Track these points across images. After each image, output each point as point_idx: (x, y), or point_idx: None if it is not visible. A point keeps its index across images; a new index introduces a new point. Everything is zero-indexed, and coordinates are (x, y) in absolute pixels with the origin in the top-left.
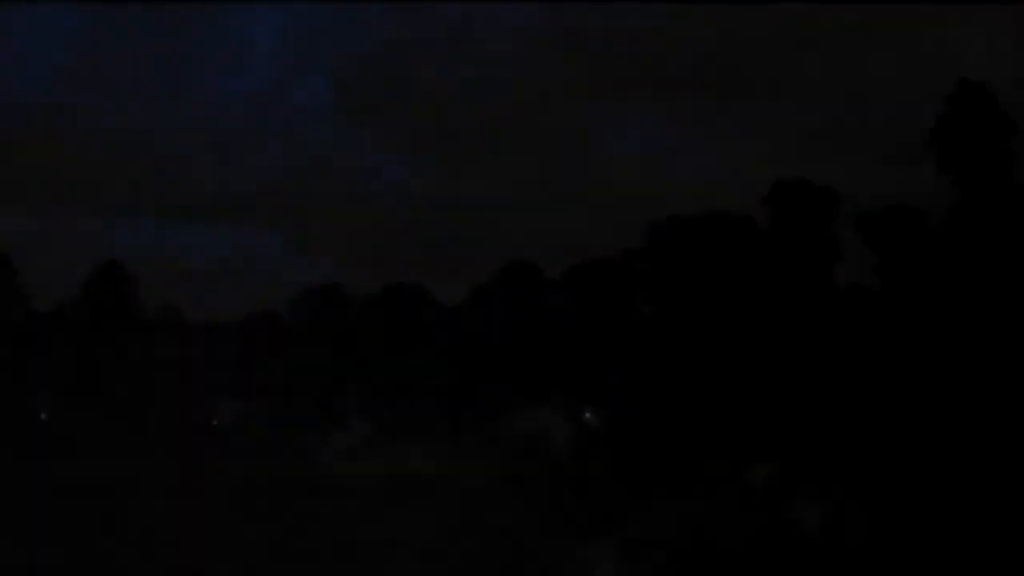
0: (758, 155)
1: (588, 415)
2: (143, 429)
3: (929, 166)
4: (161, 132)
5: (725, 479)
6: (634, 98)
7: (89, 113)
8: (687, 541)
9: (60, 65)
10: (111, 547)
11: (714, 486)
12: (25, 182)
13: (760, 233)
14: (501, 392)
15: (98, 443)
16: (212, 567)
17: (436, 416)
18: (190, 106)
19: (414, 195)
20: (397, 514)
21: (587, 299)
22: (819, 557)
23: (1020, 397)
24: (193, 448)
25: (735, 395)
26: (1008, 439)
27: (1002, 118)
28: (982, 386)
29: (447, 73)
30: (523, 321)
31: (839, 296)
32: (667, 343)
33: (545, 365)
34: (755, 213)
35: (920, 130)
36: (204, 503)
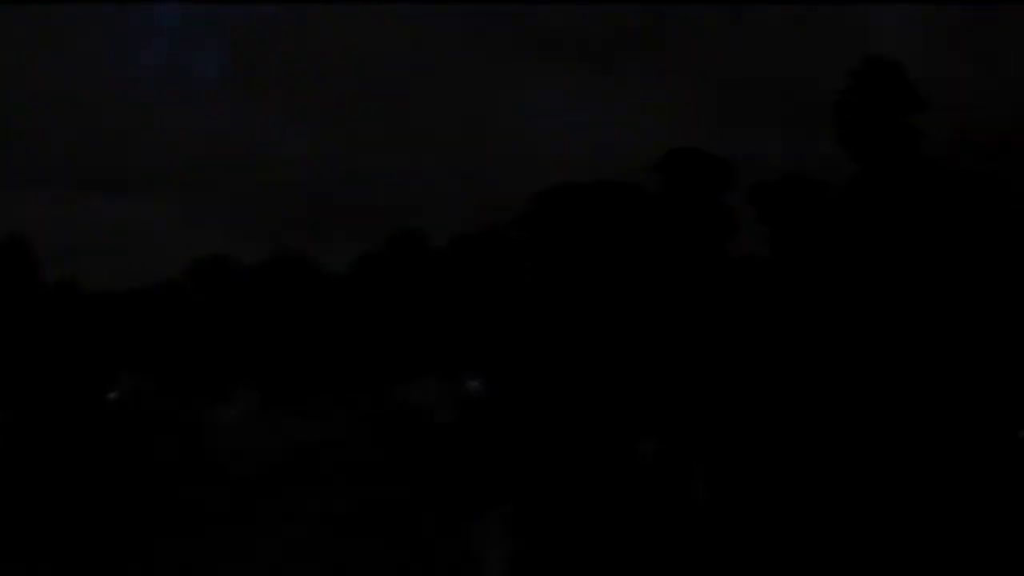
0: (659, 128)
1: (473, 385)
2: (39, 404)
3: (830, 141)
4: (62, 105)
5: (613, 451)
6: (533, 71)
7: None
8: (574, 512)
9: None
10: None
11: (601, 458)
12: None
13: (649, 201)
14: (386, 363)
15: None
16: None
17: (322, 387)
18: (90, 79)
19: (312, 166)
20: (284, 489)
21: (472, 268)
22: (707, 526)
23: (910, 367)
24: (88, 423)
25: (621, 367)
26: (898, 412)
27: (909, 93)
28: (876, 357)
29: (344, 45)
30: (408, 291)
31: (731, 267)
32: (549, 313)
33: (430, 335)
34: (648, 183)
35: (823, 104)
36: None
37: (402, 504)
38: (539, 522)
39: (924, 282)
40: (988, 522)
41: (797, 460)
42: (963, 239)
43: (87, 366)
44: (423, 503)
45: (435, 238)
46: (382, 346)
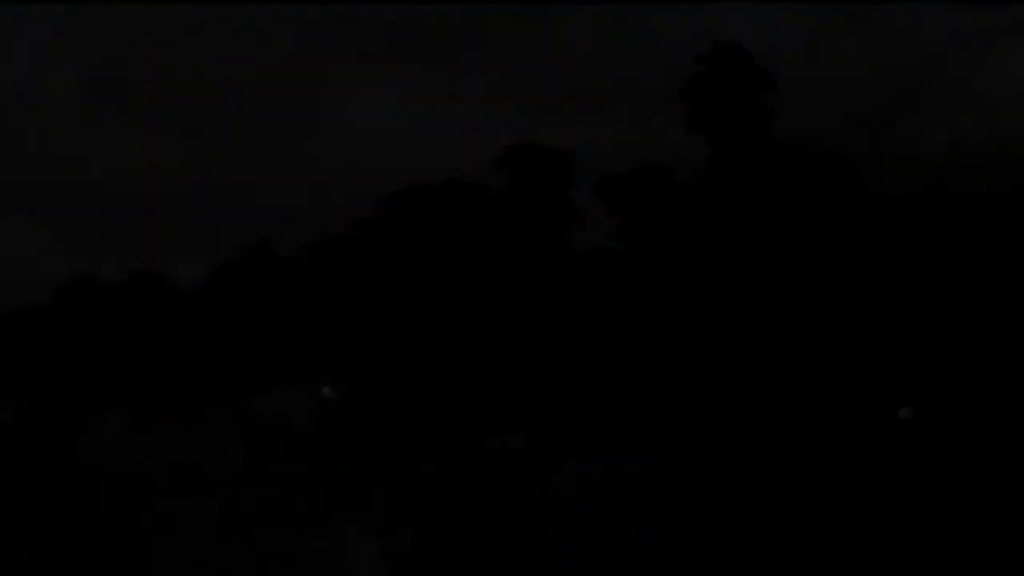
0: (504, 122)
1: (326, 391)
2: None
3: (679, 130)
4: None
5: (473, 448)
6: (371, 72)
7: None
8: (439, 510)
9: None
10: None
11: (462, 455)
12: None
13: (493, 199)
14: (244, 373)
15: None
16: None
17: (187, 401)
18: None
19: (162, 179)
20: (157, 503)
21: (322, 275)
22: (572, 518)
23: (768, 356)
24: None
25: (474, 365)
26: (759, 397)
27: (758, 74)
28: (731, 346)
29: (198, 59)
30: (260, 302)
31: (577, 260)
32: (399, 315)
33: (283, 344)
34: (491, 180)
35: (670, 92)
36: None
37: (270, 512)
38: (407, 520)
39: (778, 266)
40: (871, 502)
41: (665, 451)
42: (814, 220)
43: None
44: (291, 509)
45: (286, 246)
46: (239, 357)
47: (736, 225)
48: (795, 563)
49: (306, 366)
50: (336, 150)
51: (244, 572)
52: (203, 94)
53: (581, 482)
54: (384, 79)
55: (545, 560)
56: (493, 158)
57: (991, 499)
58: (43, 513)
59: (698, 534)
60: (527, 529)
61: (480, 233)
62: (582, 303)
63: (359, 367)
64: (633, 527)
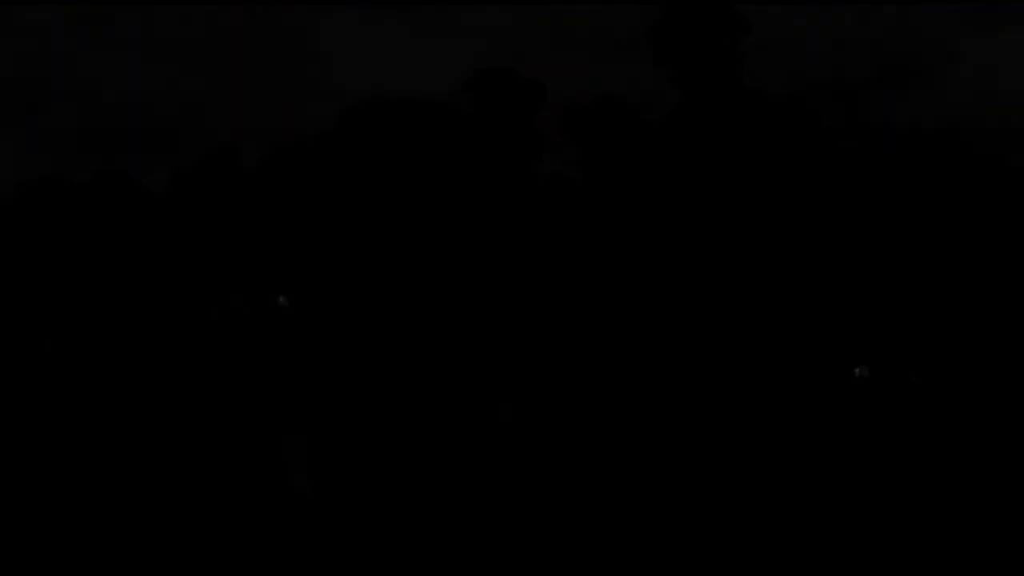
0: (475, 53)
1: (281, 299)
2: None
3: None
4: None
5: (418, 379)
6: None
7: None
8: (380, 431)
9: None
10: None
11: (409, 379)
12: None
13: (460, 120)
14: (199, 279)
15: None
16: None
17: (142, 306)
18: None
19: (136, 92)
20: (111, 401)
21: (281, 183)
22: (514, 447)
23: (724, 297)
24: None
25: (427, 287)
26: (713, 343)
27: (734, 18)
28: (684, 289)
29: None
30: (220, 208)
31: (539, 185)
32: (357, 230)
33: (240, 252)
34: (460, 103)
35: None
36: None
37: (217, 423)
38: (346, 443)
39: (737, 209)
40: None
41: (612, 393)
42: (781, 166)
43: None
44: (237, 423)
45: (249, 156)
46: (196, 262)
47: (697, 163)
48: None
49: (261, 273)
50: (308, 75)
51: (180, 469)
52: (181, 15)
53: (528, 412)
54: (355, 9)
55: (469, 467)
56: (463, 80)
57: (951, 468)
58: None
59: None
60: (470, 454)
61: (444, 149)
62: (542, 229)
63: (314, 279)
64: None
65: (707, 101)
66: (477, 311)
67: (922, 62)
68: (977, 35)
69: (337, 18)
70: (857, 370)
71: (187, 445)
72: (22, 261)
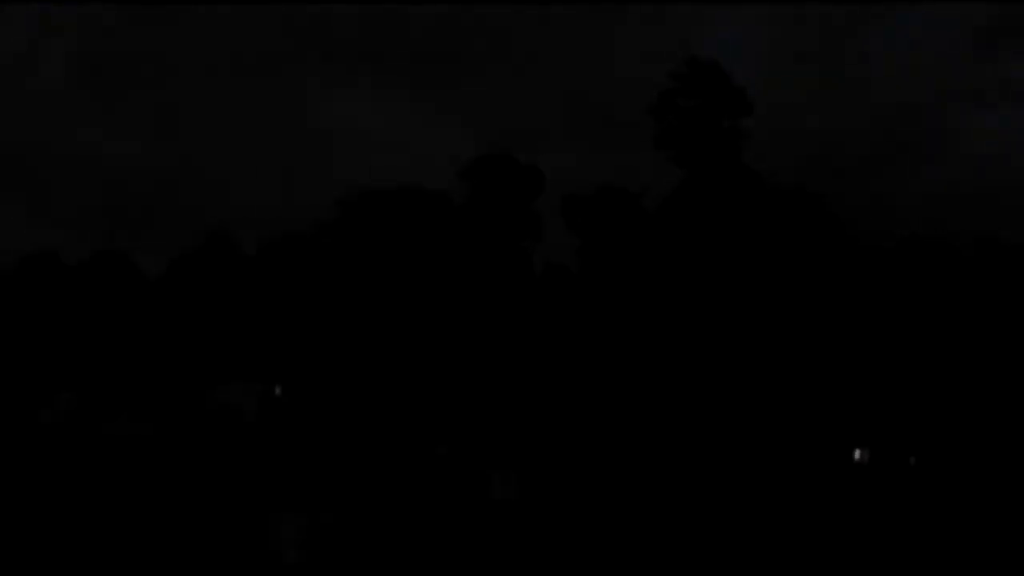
0: (475, 141)
1: (278, 390)
2: None
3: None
4: None
5: (414, 456)
6: (349, 81)
7: None
8: (375, 513)
9: None
10: None
11: (403, 462)
12: None
13: (455, 209)
14: (198, 366)
15: None
16: None
17: (138, 388)
18: None
19: (134, 168)
20: (110, 481)
21: (281, 274)
22: (511, 523)
23: (721, 386)
24: None
25: (422, 373)
26: (707, 421)
27: (733, 95)
28: (687, 369)
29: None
30: (219, 296)
31: (535, 276)
32: (355, 320)
33: (239, 340)
34: (456, 191)
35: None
36: None
37: (210, 502)
38: (338, 520)
39: (737, 297)
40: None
41: (601, 462)
42: (779, 254)
43: None
44: (230, 502)
45: (249, 243)
46: (194, 349)
47: (697, 253)
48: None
49: (258, 362)
50: (309, 154)
51: (178, 546)
52: (181, 88)
53: (520, 490)
54: (361, 89)
55: (462, 542)
56: (459, 169)
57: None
58: None
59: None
60: (457, 535)
61: (438, 241)
62: (535, 319)
63: (309, 369)
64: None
65: (708, 183)
66: (473, 395)
67: (923, 140)
68: (976, 113)
69: (341, 95)
70: (857, 453)
71: (182, 520)
72: (19, 335)
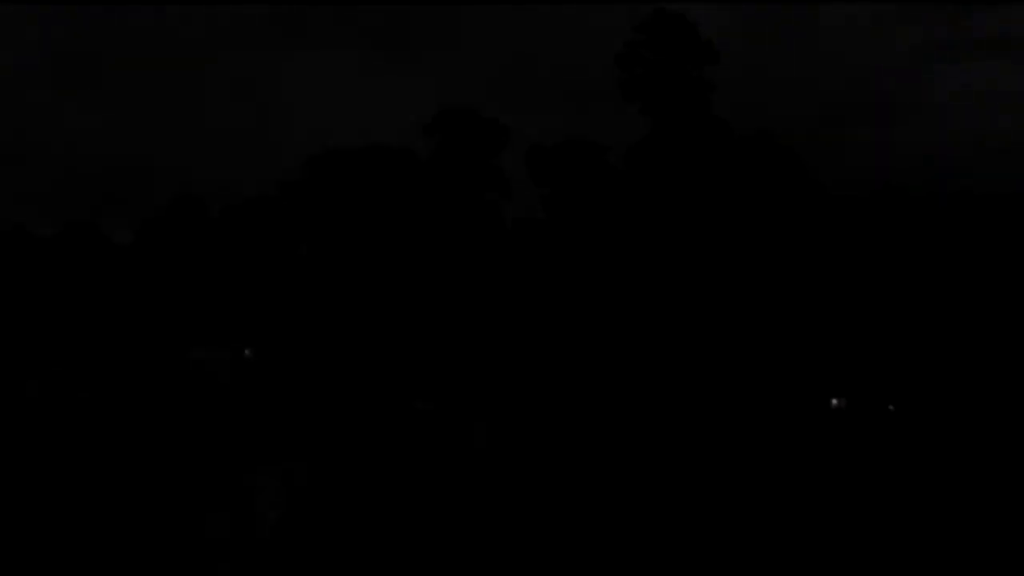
0: (438, 99)
1: (248, 352)
2: None
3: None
4: None
5: (393, 412)
6: (309, 44)
7: None
8: (357, 470)
9: None
10: None
11: (382, 419)
12: None
13: (420, 165)
14: (169, 330)
15: None
16: None
17: (113, 355)
18: None
19: (98, 142)
20: (90, 448)
21: (247, 236)
22: (486, 467)
23: (692, 338)
24: None
25: (396, 330)
26: (680, 370)
27: (700, 46)
28: (659, 318)
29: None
30: (187, 260)
31: (505, 229)
32: (325, 279)
33: (208, 304)
34: (423, 146)
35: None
36: None
37: (187, 459)
38: (318, 479)
39: (705, 246)
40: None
41: (572, 416)
42: (747, 201)
43: None
44: (206, 458)
45: (213, 208)
46: (165, 314)
47: (666, 202)
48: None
49: (228, 325)
50: (272, 118)
51: (157, 509)
52: (145, 61)
53: (497, 436)
54: (322, 52)
55: (441, 501)
56: (424, 125)
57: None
58: None
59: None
60: (442, 483)
61: (403, 197)
62: (507, 271)
63: (279, 329)
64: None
65: (676, 132)
66: (449, 349)
67: (893, 95)
68: (945, 65)
69: (298, 60)
70: (834, 401)
71: (161, 483)
72: None
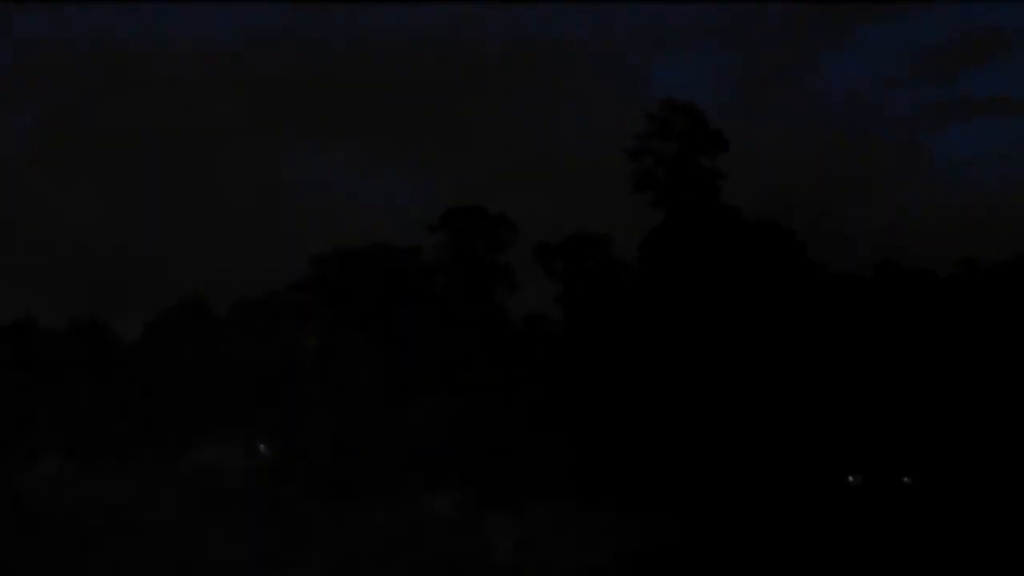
0: (444, 195)
1: (262, 447)
2: None
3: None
4: None
5: (411, 503)
6: (310, 136)
7: None
8: (371, 561)
9: None
10: None
11: (400, 509)
12: None
13: (426, 262)
14: (178, 426)
15: None
16: None
17: (121, 448)
18: None
19: (102, 234)
20: (102, 545)
21: (254, 333)
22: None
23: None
24: None
25: (409, 425)
26: (699, 455)
27: (710, 135)
28: (681, 417)
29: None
30: (193, 357)
31: (511, 324)
32: (337, 375)
33: (215, 399)
34: (427, 245)
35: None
36: None
37: (212, 555)
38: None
39: (720, 336)
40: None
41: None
42: (758, 290)
43: None
44: (232, 554)
45: (220, 306)
46: (172, 411)
47: (678, 296)
48: None
49: (238, 420)
50: (277, 216)
51: None
52: (141, 151)
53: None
54: (326, 145)
55: None
56: (430, 224)
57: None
58: None
59: None
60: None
61: (409, 297)
62: (521, 368)
63: (294, 425)
64: None
65: (686, 223)
66: (465, 445)
67: (887, 164)
68: (937, 131)
69: (307, 156)
70: (851, 478)
71: None
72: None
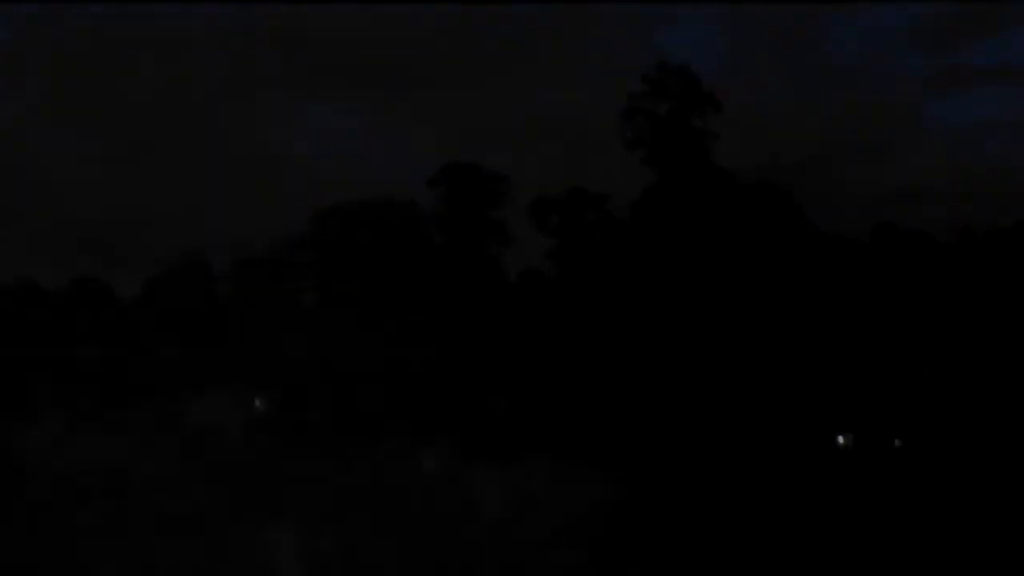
0: (441, 147)
1: (258, 402)
2: None
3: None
4: None
5: (399, 456)
6: (308, 92)
7: None
8: (361, 514)
9: None
10: None
11: (389, 463)
12: None
13: (424, 217)
14: (177, 381)
15: None
16: None
17: (119, 406)
18: None
19: (110, 193)
20: (95, 504)
21: (254, 290)
22: (500, 534)
23: (701, 376)
24: None
25: (402, 378)
26: (689, 414)
27: (703, 97)
28: (662, 371)
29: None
30: (193, 314)
31: (508, 282)
32: (332, 330)
33: (216, 355)
34: (426, 199)
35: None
36: None
37: (204, 515)
38: (328, 522)
39: (712, 293)
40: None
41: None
42: (751, 248)
43: None
44: (223, 513)
45: (221, 262)
46: (172, 367)
47: (670, 252)
48: None
49: (237, 376)
50: (277, 173)
51: (170, 573)
52: (158, 116)
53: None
54: (326, 104)
55: (461, 561)
56: (427, 178)
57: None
58: None
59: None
60: (447, 532)
61: (409, 251)
62: (513, 323)
63: (290, 380)
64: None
65: (679, 182)
66: (455, 402)
67: (886, 130)
68: (938, 99)
69: (304, 113)
70: (840, 439)
71: (174, 543)
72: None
